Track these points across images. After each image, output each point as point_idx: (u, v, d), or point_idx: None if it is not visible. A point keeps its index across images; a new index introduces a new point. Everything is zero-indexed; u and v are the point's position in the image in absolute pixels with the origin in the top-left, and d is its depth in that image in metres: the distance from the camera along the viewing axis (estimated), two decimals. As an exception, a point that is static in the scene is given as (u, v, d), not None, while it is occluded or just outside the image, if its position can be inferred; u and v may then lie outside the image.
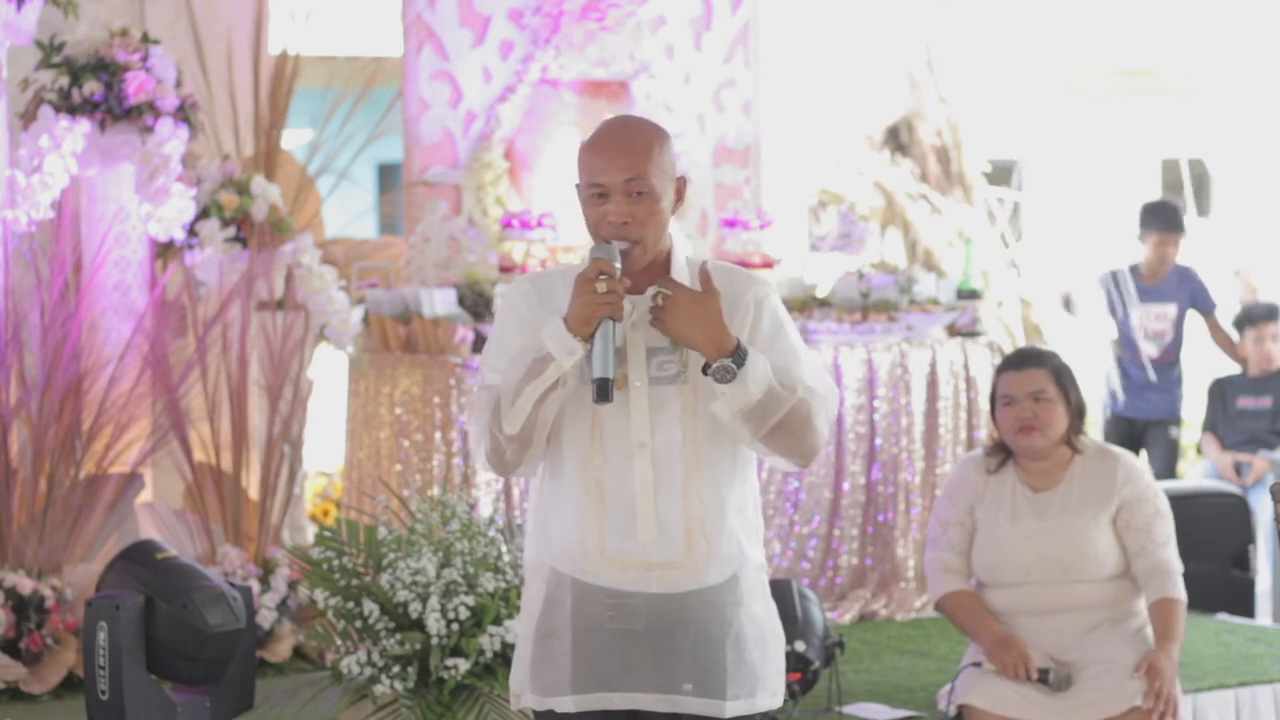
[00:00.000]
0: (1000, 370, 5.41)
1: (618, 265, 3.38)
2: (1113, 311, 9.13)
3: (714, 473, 3.46)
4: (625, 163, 3.43)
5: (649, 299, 3.44)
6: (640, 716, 3.50)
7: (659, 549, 3.44)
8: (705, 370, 3.39)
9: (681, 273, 3.49)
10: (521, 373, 3.39)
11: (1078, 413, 5.32)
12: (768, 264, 7.47)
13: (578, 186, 3.50)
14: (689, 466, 3.44)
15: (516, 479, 6.63)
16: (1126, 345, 9.09)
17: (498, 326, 3.55)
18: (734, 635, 3.48)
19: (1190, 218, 9.61)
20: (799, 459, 3.50)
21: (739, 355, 3.37)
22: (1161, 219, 9.12)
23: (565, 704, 3.48)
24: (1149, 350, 9.03)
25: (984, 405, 7.45)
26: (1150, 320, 9.08)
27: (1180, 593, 5.19)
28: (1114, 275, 9.13)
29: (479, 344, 6.86)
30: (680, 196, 3.52)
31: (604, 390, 3.34)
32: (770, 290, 3.53)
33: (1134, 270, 9.13)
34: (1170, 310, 9.08)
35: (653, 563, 3.45)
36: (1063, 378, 5.30)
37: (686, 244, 3.66)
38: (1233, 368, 9.24)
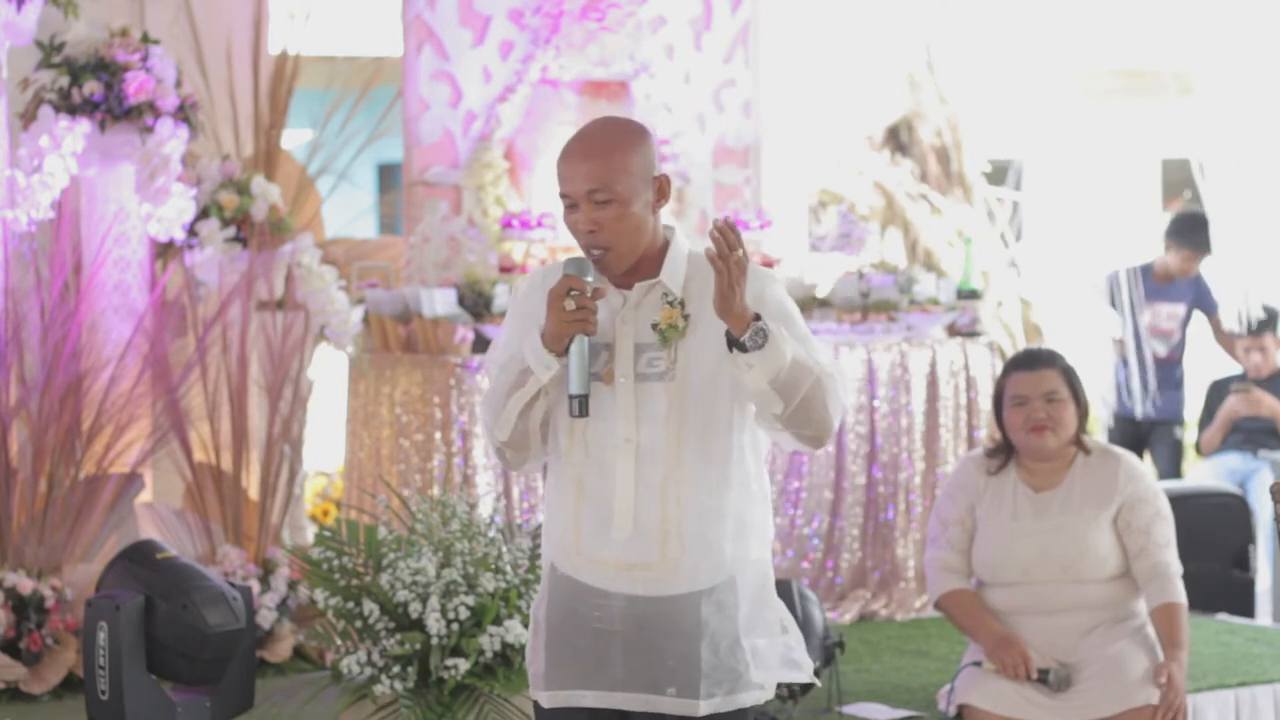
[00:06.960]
0: (1009, 370, 5.40)
1: (589, 279, 3.38)
2: (1125, 310, 9.12)
3: (698, 475, 3.43)
4: (586, 171, 3.41)
5: (640, 295, 3.45)
6: (626, 716, 3.48)
7: (633, 549, 3.42)
8: (734, 344, 3.33)
9: (677, 267, 3.46)
10: (507, 383, 3.43)
11: (1085, 412, 5.34)
12: (768, 264, 7.46)
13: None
14: (669, 466, 3.42)
15: (516, 479, 6.66)
16: (1135, 345, 9.07)
17: (506, 319, 3.58)
18: (710, 636, 3.43)
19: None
20: (815, 437, 3.44)
21: (764, 322, 3.34)
22: (1193, 239, 9.04)
23: (542, 699, 3.51)
24: (1157, 350, 9.02)
25: (984, 405, 7.45)
26: (1161, 320, 9.07)
27: (1181, 596, 5.19)
28: (1126, 274, 9.12)
29: (479, 344, 6.86)
30: (662, 194, 3.47)
31: (582, 406, 3.39)
32: (772, 282, 3.48)
33: (1147, 269, 9.11)
34: (1180, 310, 9.07)
35: (627, 562, 3.43)
36: (1072, 378, 5.32)
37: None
38: (1233, 367, 9.24)
